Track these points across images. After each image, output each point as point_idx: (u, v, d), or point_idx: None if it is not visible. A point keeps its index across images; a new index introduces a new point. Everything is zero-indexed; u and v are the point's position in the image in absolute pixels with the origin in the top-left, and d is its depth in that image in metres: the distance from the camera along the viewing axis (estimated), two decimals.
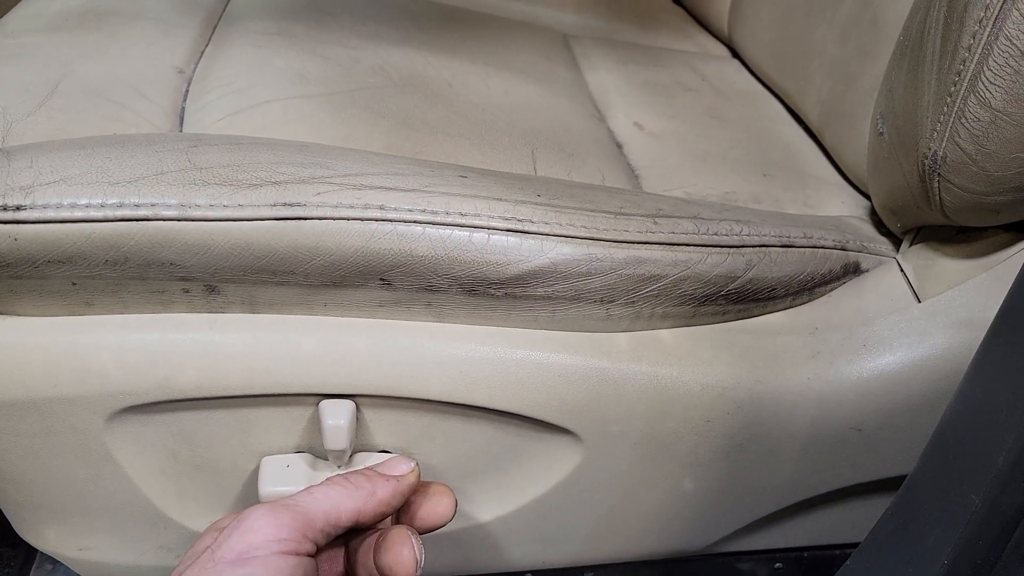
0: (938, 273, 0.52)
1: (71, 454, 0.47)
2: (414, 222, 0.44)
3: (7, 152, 0.43)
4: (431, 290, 0.46)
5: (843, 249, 0.54)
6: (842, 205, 0.65)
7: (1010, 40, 0.40)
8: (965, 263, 0.51)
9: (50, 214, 0.41)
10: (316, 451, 0.50)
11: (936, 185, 0.47)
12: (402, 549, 0.42)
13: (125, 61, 0.63)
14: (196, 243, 0.42)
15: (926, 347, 0.50)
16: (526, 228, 0.45)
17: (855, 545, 0.45)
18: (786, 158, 0.72)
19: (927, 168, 0.47)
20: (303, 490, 0.42)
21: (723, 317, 0.51)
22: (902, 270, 0.54)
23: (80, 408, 0.45)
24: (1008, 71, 0.41)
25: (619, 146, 0.71)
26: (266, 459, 0.49)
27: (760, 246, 0.50)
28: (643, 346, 0.49)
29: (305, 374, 0.46)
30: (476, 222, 0.44)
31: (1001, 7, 0.40)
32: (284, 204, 0.42)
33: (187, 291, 0.45)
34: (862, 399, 0.50)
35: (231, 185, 0.43)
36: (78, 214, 0.41)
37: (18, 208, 0.40)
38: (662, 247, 0.47)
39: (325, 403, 0.47)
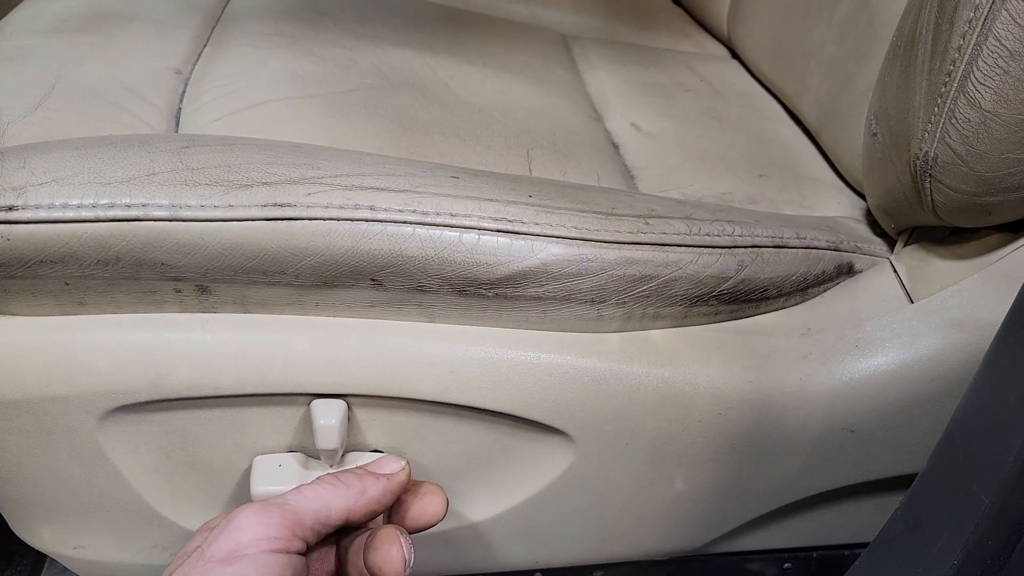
0: (931, 274, 0.52)
1: (65, 453, 0.48)
2: (404, 222, 0.44)
3: (1, 153, 0.44)
4: (422, 290, 0.46)
5: (836, 250, 0.54)
6: (838, 206, 0.65)
7: (999, 41, 0.40)
8: (958, 264, 0.51)
9: (42, 214, 0.41)
10: (308, 450, 0.50)
11: (928, 186, 0.47)
12: (390, 548, 0.42)
13: (122, 62, 0.63)
14: (187, 243, 0.42)
15: (918, 348, 0.50)
16: (516, 229, 0.45)
17: (864, 545, 0.45)
18: (783, 159, 0.72)
19: (918, 169, 0.47)
20: (293, 489, 0.42)
21: (715, 318, 0.51)
22: (895, 271, 0.53)
23: (73, 407, 0.46)
24: (997, 72, 0.41)
25: (616, 147, 0.71)
26: (258, 458, 0.49)
27: (752, 247, 0.50)
28: (634, 346, 0.49)
29: (297, 374, 0.46)
30: (466, 222, 0.45)
31: (990, 8, 0.40)
32: (274, 204, 0.43)
33: (179, 291, 0.45)
34: (854, 400, 0.50)
35: (222, 186, 0.43)
36: (70, 214, 0.41)
37: (10, 208, 0.41)
38: (653, 248, 0.47)
39: (317, 403, 0.47)
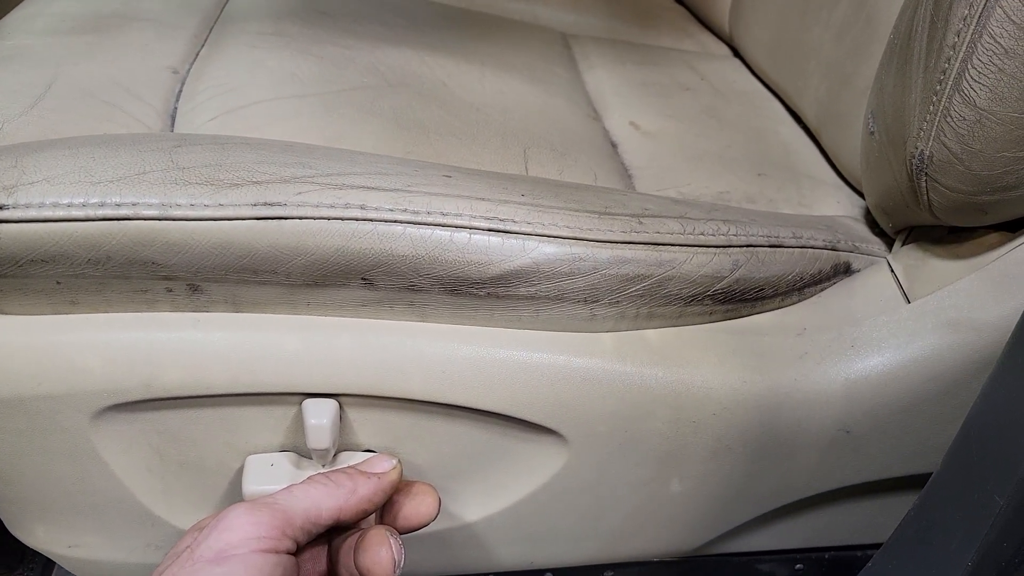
0: (928, 273, 0.51)
1: (58, 452, 0.48)
2: (395, 222, 0.44)
3: None
4: (413, 290, 0.46)
5: (834, 249, 0.54)
6: (837, 205, 0.65)
7: (994, 38, 0.40)
8: (955, 263, 0.50)
9: (32, 213, 0.41)
10: (301, 450, 0.50)
11: (924, 185, 0.47)
12: (380, 549, 0.42)
13: (119, 62, 0.63)
14: (177, 242, 0.42)
15: (915, 348, 0.49)
16: (508, 228, 0.45)
17: (877, 546, 0.45)
18: (783, 158, 0.71)
19: (914, 167, 0.46)
20: (283, 489, 0.42)
21: (710, 317, 0.51)
22: (892, 270, 0.53)
23: (65, 406, 0.46)
24: (992, 69, 0.40)
25: (614, 146, 0.70)
26: (250, 458, 0.49)
27: (747, 246, 0.50)
28: (628, 346, 0.49)
29: (288, 373, 0.46)
30: (457, 222, 0.44)
31: (985, 5, 0.40)
32: (265, 204, 0.43)
33: (170, 290, 0.45)
34: (850, 400, 0.50)
35: (212, 185, 0.43)
36: (60, 213, 0.41)
37: (1, 207, 0.41)
38: (646, 247, 0.47)
39: (308, 402, 0.47)
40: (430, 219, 0.44)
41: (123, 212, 0.41)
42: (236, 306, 0.46)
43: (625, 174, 0.66)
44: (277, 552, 0.39)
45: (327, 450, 0.47)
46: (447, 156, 0.60)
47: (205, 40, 0.71)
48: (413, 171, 0.48)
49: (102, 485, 0.49)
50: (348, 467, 0.45)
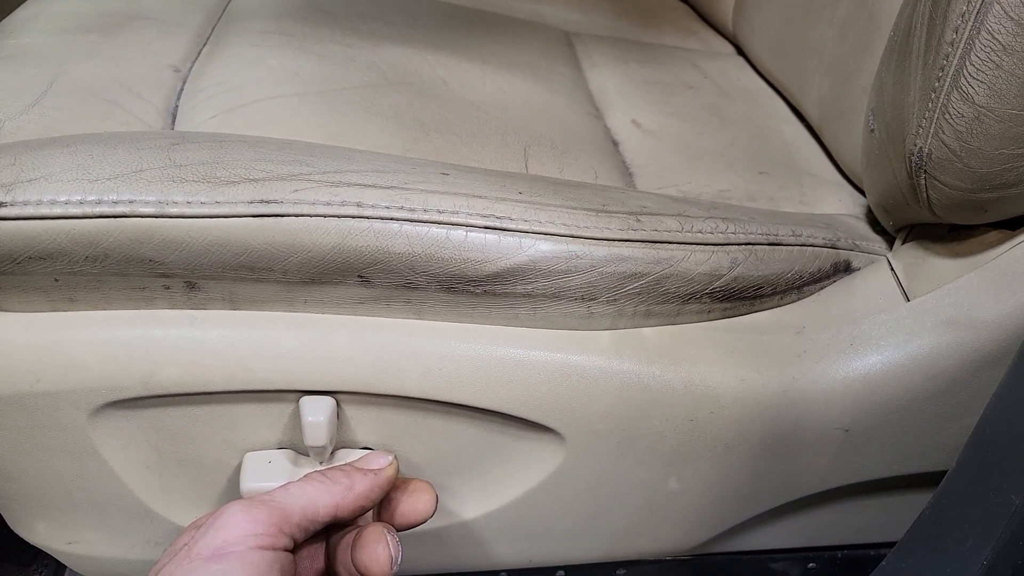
0: (928, 271, 0.51)
1: (57, 449, 0.48)
2: (391, 219, 0.44)
3: None
4: (410, 287, 0.46)
5: (834, 247, 0.54)
6: (839, 203, 0.65)
7: (991, 34, 0.40)
8: (955, 262, 0.50)
9: (29, 211, 0.41)
10: (298, 447, 0.50)
11: (923, 182, 0.46)
12: (377, 547, 0.42)
13: (121, 60, 0.63)
14: (174, 240, 0.42)
15: (914, 346, 0.49)
16: (505, 225, 0.45)
17: (890, 545, 0.45)
18: (785, 156, 0.71)
19: (913, 165, 0.46)
20: (280, 486, 0.42)
21: (708, 316, 0.51)
22: (892, 269, 0.53)
23: (64, 403, 0.46)
24: (990, 66, 0.40)
25: (615, 144, 0.70)
26: (248, 455, 0.49)
27: (746, 244, 0.50)
28: (626, 344, 0.49)
29: (286, 370, 0.46)
30: (454, 219, 0.44)
31: (983, 1, 0.40)
32: (261, 201, 0.43)
33: (168, 287, 0.45)
34: (849, 399, 0.50)
35: (209, 182, 0.43)
36: (57, 211, 0.41)
37: None
38: (644, 245, 0.47)
39: (305, 399, 0.47)
40: (427, 216, 0.44)
41: (120, 210, 0.41)
42: (233, 303, 0.46)
43: (626, 172, 0.66)
44: (274, 549, 0.39)
45: (324, 447, 0.47)
46: (447, 154, 0.60)
47: (208, 38, 0.71)
48: (410, 169, 0.48)
49: (101, 482, 0.50)
50: (345, 464, 0.45)
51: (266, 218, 0.43)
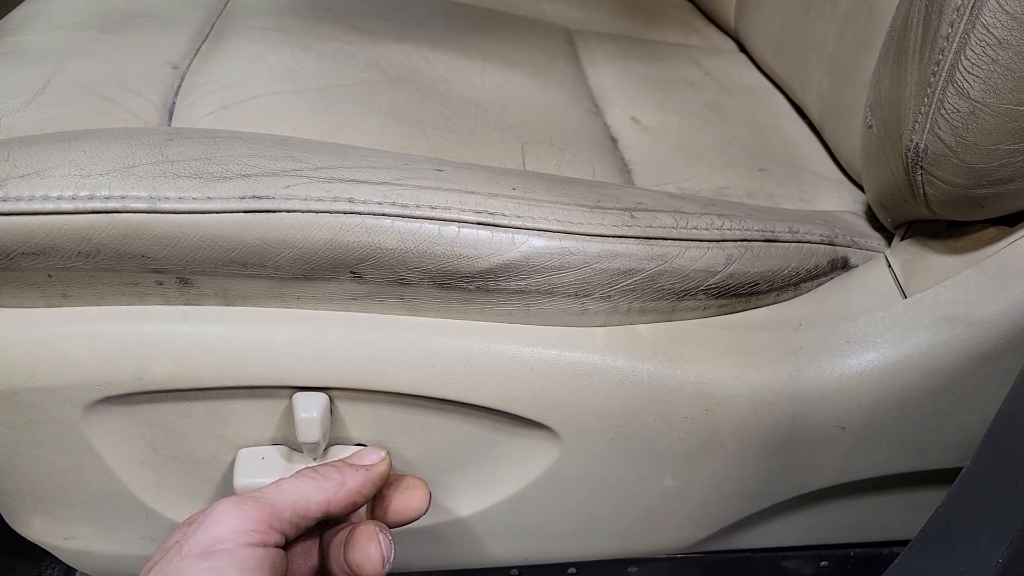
0: (925, 268, 0.51)
1: (51, 444, 0.48)
2: (383, 215, 0.44)
3: None
4: (403, 283, 0.46)
5: (831, 244, 0.53)
6: (839, 200, 0.64)
7: (987, 28, 0.39)
8: (952, 258, 0.50)
9: (22, 206, 0.41)
10: (292, 443, 0.50)
11: (919, 178, 0.46)
12: (368, 545, 0.42)
13: (120, 57, 0.64)
14: (166, 235, 0.42)
15: (910, 344, 0.49)
16: (497, 221, 0.45)
17: (904, 543, 0.44)
18: (784, 153, 0.71)
19: (910, 161, 0.46)
20: (272, 483, 0.42)
21: (704, 312, 0.51)
22: (890, 265, 0.52)
23: (58, 399, 0.46)
24: (986, 60, 0.40)
25: (614, 141, 0.70)
26: (242, 451, 0.49)
27: (742, 240, 0.49)
28: (620, 341, 0.49)
29: (279, 366, 0.46)
30: (446, 215, 0.44)
31: None
32: (253, 197, 0.43)
33: (161, 283, 0.45)
34: (845, 396, 0.49)
35: (201, 178, 0.43)
36: (49, 206, 0.41)
37: None
38: (638, 241, 0.47)
39: (298, 396, 0.47)
40: (419, 212, 0.44)
41: (112, 205, 0.41)
42: (226, 299, 0.46)
43: (624, 169, 0.66)
44: (265, 545, 0.39)
45: (317, 443, 0.47)
46: (444, 151, 0.60)
47: (207, 35, 0.71)
48: (404, 165, 0.48)
49: (96, 478, 0.50)
50: (337, 460, 0.45)
51: (258, 214, 0.43)
